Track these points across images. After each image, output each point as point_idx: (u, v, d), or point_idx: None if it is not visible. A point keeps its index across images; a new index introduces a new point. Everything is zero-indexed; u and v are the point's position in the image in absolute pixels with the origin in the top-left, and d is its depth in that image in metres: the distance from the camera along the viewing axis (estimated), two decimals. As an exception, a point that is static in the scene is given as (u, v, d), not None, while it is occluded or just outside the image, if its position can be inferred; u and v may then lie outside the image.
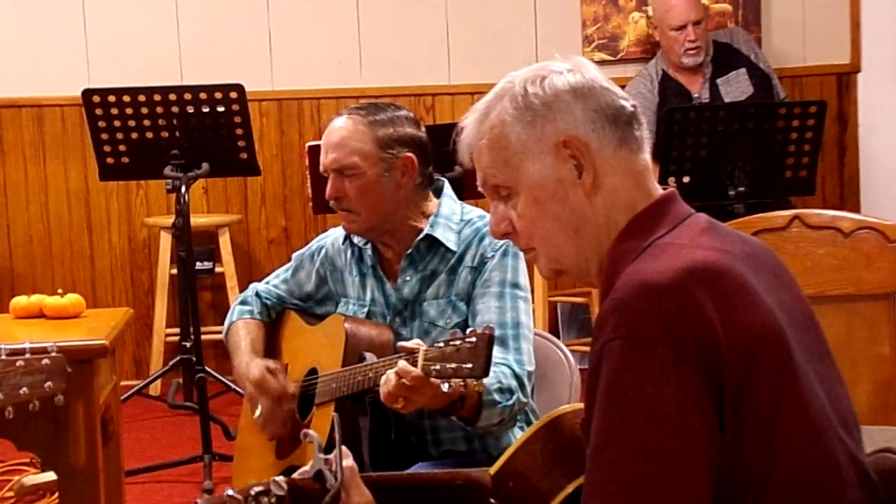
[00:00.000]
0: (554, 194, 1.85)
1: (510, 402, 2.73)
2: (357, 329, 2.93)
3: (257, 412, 3.04)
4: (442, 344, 2.46)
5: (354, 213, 2.97)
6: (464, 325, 2.90)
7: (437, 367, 2.44)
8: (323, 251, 3.14)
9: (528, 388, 2.80)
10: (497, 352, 2.63)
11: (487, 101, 1.92)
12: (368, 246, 3.05)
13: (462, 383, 2.49)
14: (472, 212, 3.00)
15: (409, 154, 2.94)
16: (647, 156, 1.89)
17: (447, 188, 3.05)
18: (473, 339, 2.40)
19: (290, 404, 3.03)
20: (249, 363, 3.08)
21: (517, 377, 2.77)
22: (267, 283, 3.24)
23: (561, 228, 1.86)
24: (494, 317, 2.84)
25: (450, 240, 2.94)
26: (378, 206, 2.95)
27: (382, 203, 2.95)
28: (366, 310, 3.02)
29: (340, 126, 2.96)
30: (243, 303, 3.23)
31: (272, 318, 3.23)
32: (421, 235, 2.96)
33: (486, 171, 1.91)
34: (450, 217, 2.97)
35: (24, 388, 2.49)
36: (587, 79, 1.88)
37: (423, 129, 3.02)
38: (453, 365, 2.41)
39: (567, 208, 1.85)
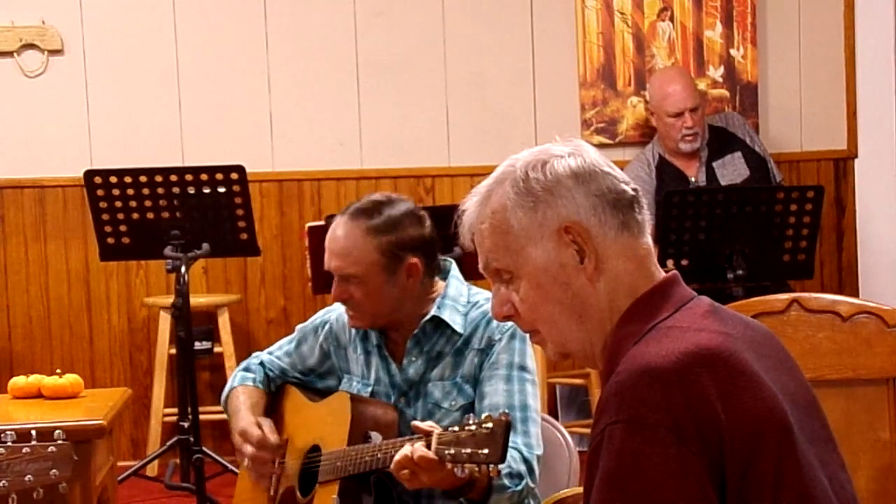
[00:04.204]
0: (556, 279, 1.84)
1: (519, 487, 2.71)
2: (363, 408, 2.92)
3: (245, 462, 3.02)
4: (457, 428, 2.45)
5: (360, 313, 2.97)
6: (469, 408, 2.89)
7: (452, 451, 2.43)
8: (327, 326, 3.13)
9: (537, 473, 2.79)
10: None
11: (489, 184, 1.91)
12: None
13: (476, 468, 2.47)
14: (480, 293, 2.98)
15: (414, 259, 2.92)
16: (648, 239, 1.89)
17: (454, 269, 3.03)
18: (490, 425, 2.39)
19: (270, 451, 3.00)
20: (244, 419, 3.06)
21: (526, 461, 2.75)
22: (270, 353, 3.23)
23: (564, 313, 1.85)
24: (502, 399, 2.82)
25: (456, 322, 2.94)
26: (383, 308, 2.95)
27: (387, 305, 2.95)
28: (370, 389, 3.01)
29: (342, 234, 2.94)
30: (247, 370, 3.21)
31: (272, 391, 3.20)
32: (427, 317, 2.95)
33: (487, 254, 1.90)
34: (457, 299, 2.97)
35: (30, 476, 2.49)
36: (588, 163, 1.87)
37: (427, 221, 2.98)
38: (468, 450, 2.40)
39: (570, 293, 1.84)
